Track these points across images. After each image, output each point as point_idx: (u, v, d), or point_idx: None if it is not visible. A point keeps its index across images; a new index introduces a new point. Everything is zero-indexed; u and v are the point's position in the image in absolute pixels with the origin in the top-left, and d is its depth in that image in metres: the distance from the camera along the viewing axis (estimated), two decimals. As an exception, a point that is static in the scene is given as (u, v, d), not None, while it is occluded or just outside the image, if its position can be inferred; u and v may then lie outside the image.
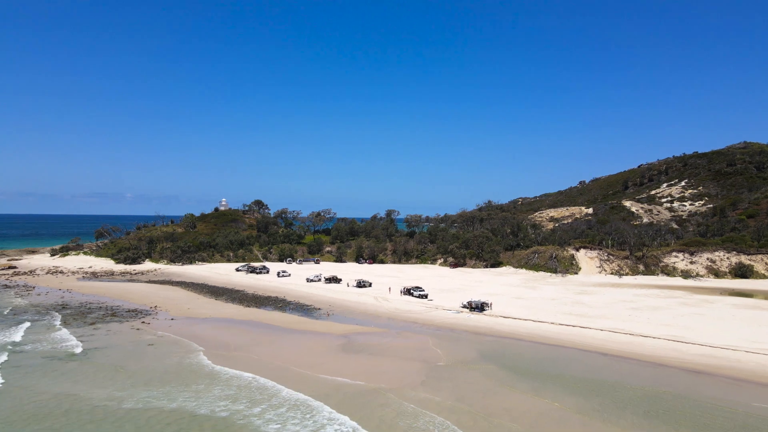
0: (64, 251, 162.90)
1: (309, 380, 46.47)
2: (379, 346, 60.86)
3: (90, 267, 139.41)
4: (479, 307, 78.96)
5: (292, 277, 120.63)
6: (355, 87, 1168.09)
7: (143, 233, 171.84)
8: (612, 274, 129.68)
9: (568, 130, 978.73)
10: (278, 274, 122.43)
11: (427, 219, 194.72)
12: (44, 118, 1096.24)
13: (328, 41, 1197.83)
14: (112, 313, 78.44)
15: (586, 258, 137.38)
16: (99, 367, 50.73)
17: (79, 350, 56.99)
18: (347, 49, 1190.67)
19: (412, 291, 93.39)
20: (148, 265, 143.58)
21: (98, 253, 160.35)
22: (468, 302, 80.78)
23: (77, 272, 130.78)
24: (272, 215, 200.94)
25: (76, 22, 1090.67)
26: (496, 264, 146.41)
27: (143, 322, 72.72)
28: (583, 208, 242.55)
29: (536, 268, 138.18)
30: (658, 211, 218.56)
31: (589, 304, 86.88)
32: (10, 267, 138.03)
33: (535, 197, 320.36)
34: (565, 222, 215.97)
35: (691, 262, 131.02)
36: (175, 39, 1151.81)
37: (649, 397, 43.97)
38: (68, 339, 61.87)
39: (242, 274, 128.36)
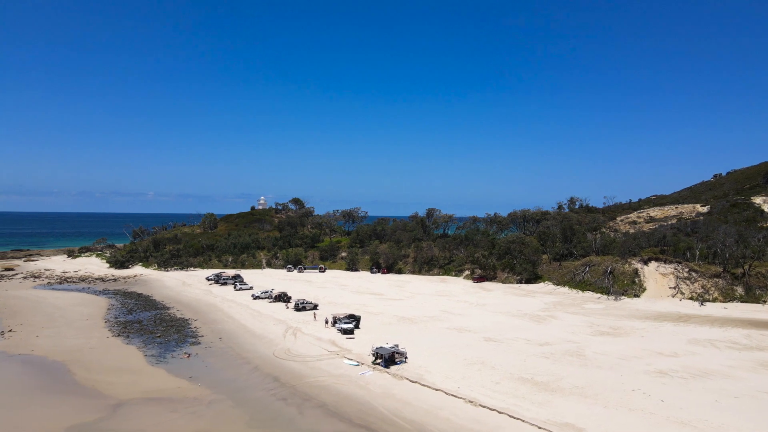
0: (82, 252, 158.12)
1: None
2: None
3: (76, 271, 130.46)
4: (387, 359, 50.67)
5: (252, 290, 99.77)
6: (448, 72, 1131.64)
7: (161, 235, 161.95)
8: (691, 298, 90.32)
9: (708, 120, 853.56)
10: (234, 286, 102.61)
11: (474, 219, 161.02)
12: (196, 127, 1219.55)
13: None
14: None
15: (656, 274, 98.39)
16: None
17: None
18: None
19: (337, 322, 66.92)
20: (134, 270, 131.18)
21: (112, 254, 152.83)
22: (376, 350, 52.70)
23: (55, 276, 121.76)
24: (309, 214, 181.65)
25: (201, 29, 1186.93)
26: (533, 278, 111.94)
27: None
28: (697, 205, 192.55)
29: (583, 286, 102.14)
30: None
31: (590, 359, 53.84)
32: (8, 269, 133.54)
33: (671, 194, 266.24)
34: (666, 223, 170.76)
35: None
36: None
37: None
38: None
39: (208, 284, 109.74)
